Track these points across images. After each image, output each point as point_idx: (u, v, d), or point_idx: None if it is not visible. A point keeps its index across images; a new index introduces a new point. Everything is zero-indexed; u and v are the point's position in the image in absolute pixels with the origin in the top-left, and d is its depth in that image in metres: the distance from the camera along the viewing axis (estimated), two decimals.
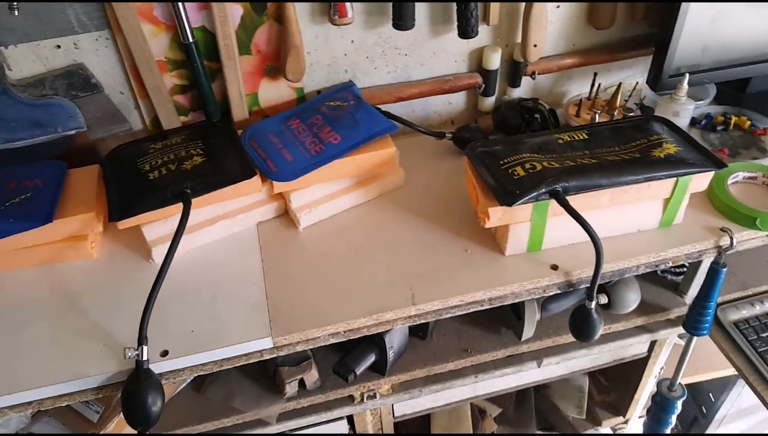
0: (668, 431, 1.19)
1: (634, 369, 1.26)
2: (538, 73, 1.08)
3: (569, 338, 1.02)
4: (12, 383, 0.68)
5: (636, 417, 1.37)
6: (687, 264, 1.01)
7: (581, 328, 0.79)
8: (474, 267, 0.82)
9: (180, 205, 0.76)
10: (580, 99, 1.07)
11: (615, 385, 1.39)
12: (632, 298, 0.99)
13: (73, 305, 0.78)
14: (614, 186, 0.74)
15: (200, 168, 0.81)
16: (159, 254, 0.81)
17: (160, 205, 0.77)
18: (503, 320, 1.02)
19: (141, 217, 0.77)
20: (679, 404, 1.11)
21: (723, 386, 1.44)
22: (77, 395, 0.71)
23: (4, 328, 0.75)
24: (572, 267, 0.81)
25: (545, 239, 0.82)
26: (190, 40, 0.85)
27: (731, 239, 0.84)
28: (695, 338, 1.00)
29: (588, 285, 0.78)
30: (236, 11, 0.87)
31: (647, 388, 1.29)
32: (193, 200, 0.78)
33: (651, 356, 1.19)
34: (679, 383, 1.11)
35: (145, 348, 0.68)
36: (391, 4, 0.91)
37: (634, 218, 0.84)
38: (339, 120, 0.92)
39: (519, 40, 1.03)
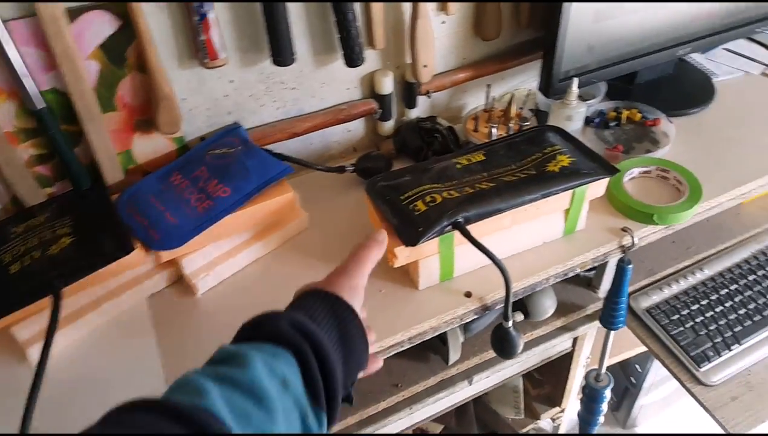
0: (601, 418, 1.19)
1: (563, 362, 1.25)
2: (433, 92, 1.03)
3: (491, 354, 0.99)
4: None
5: (571, 404, 1.37)
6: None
7: (503, 347, 0.77)
8: (390, 308, 0.76)
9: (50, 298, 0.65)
10: (476, 114, 1.03)
11: (547, 378, 1.39)
12: (548, 304, 0.97)
13: None
14: (513, 208, 0.72)
15: (69, 251, 0.70)
16: (36, 354, 0.69)
17: (25, 302, 0.65)
18: (429, 346, 0.97)
19: (5, 319, 0.65)
20: (607, 392, 1.11)
21: (646, 357, 1.47)
22: None
23: None
24: (486, 291, 0.77)
25: (456, 267, 0.78)
26: (39, 107, 0.73)
27: (632, 238, 0.83)
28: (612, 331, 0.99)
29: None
30: (91, 66, 0.76)
31: (577, 377, 1.28)
32: (66, 289, 0.67)
33: (575, 349, 1.18)
34: (605, 372, 1.10)
35: None
36: (266, 39, 0.83)
37: (539, 231, 0.82)
38: (227, 170, 0.83)
39: (409, 60, 0.97)
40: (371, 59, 0.96)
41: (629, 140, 1.01)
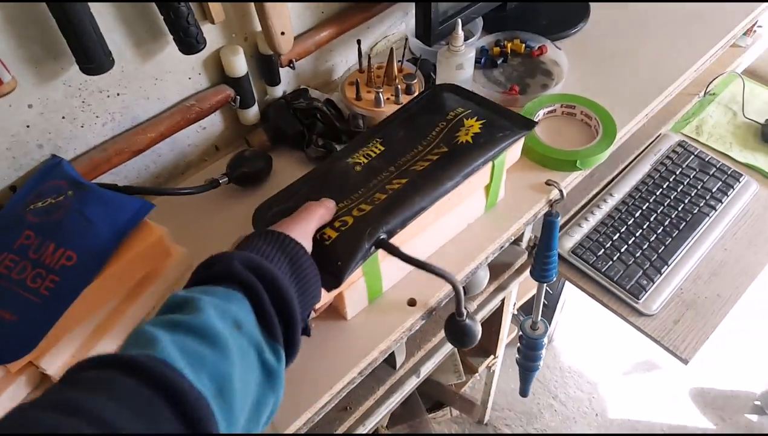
0: (541, 362, 1.19)
1: (493, 316, 1.22)
2: (297, 60, 0.87)
3: (437, 338, 0.92)
4: None
5: (502, 349, 1.38)
6: None
7: (462, 339, 0.70)
8: (326, 350, 0.65)
9: None
10: (353, 77, 0.89)
11: None
12: (482, 276, 0.90)
13: None
14: (437, 199, 0.62)
15: None
16: None
17: None
18: None
19: None
20: (545, 339, 1.10)
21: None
22: None
23: None
24: (427, 294, 0.70)
25: (384, 282, 0.68)
26: None
27: (560, 191, 0.78)
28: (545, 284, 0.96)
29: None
30: None
31: (507, 325, 1.28)
32: None
33: (505, 303, 1.15)
34: (541, 320, 1.09)
35: None
36: (66, 44, 0.61)
37: (462, 214, 0.74)
38: (62, 227, 0.62)
39: (259, 28, 0.80)
40: (211, 36, 0.77)
41: (521, 77, 0.94)
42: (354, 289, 0.64)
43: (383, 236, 0.58)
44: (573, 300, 1.72)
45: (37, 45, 0.62)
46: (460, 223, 0.75)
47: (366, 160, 0.67)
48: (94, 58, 0.61)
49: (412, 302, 0.68)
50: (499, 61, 0.96)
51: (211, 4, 0.72)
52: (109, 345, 0.64)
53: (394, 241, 0.60)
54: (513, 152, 0.71)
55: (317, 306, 0.57)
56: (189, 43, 0.69)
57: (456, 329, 0.69)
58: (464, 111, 0.70)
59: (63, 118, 0.69)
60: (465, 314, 0.67)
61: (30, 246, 0.61)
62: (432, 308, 0.69)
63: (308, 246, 0.53)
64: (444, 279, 0.60)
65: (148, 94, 0.76)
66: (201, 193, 0.76)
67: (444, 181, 0.62)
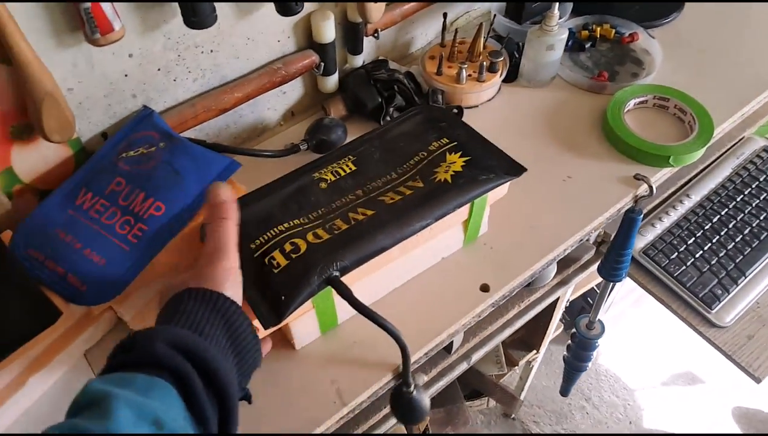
0: (590, 363, 1.19)
1: (545, 311, 1.22)
2: (382, 30, 0.87)
3: (495, 325, 0.92)
4: None
5: (546, 345, 1.38)
6: None
7: (407, 416, 0.65)
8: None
9: None
10: (432, 51, 0.89)
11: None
12: (550, 268, 0.90)
13: None
14: (401, 241, 0.59)
15: None
16: None
17: None
18: None
19: None
20: (599, 341, 1.10)
21: None
22: None
23: None
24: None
25: (339, 313, 0.65)
26: None
27: (650, 187, 0.77)
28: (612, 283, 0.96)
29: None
30: None
31: (555, 321, 1.27)
32: None
33: (558, 299, 1.15)
34: (598, 321, 1.09)
35: None
36: None
37: (435, 250, 0.71)
38: (151, 177, 0.64)
39: None
40: None
41: (610, 64, 0.93)
42: (302, 321, 0.62)
43: (336, 274, 0.55)
44: (620, 300, 1.70)
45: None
46: (432, 257, 0.71)
47: (333, 178, 0.64)
48: (200, 13, 0.63)
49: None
50: (587, 46, 0.94)
51: None
52: None
53: (351, 275, 0.57)
54: (499, 189, 0.67)
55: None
56: (287, 6, 0.70)
57: (402, 403, 0.63)
58: (449, 143, 0.66)
59: (158, 70, 0.71)
60: (412, 384, 0.62)
61: (120, 193, 0.64)
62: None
63: (239, 282, 0.49)
64: (392, 336, 0.56)
65: (238, 53, 0.77)
66: (281, 157, 0.77)
67: (412, 223, 0.59)
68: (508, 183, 0.67)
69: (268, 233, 0.57)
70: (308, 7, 0.79)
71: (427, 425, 1.22)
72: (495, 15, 0.93)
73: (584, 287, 1.35)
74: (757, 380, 0.86)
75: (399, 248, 0.60)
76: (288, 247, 0.55)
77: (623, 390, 1.73)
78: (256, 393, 0.58)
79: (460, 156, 0.65)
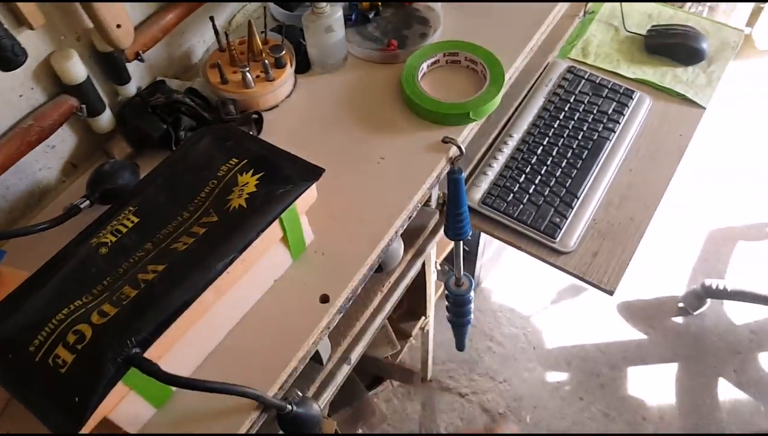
0: (471, 316, 1.23)
1: (416, 279, 1.24)
2: (144, 52, 0.80)
3: (360, 321, 0.92)
4: None
5: (433, 310, 1.41)
6: None
7: (303, 433, 0.64)
8: None
9: None
10: (213, 59, 0.84)
11: (403, 296, 1.39)
12: (396, 247, 0.91)
13: None
14: (204, 290, 0.55)
15: None
16: None
17: None
18: None
19: None
20: (471, 294, 1.13)
21: None
22: None
23: None
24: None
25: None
26: None
27: (459, 147, 0.78)
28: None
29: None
30: None
31: (432, 285, 1.30)
32: None
33: (425, 265, 1.17)
34: (464, 275, 1.12)
35: None
36: None
37: (260, 277, 0.67)
38: None
39: (91, 24, 0.72)
40: (35, 43, 0.70)
41: (398, 29, 0.93)
42: (124, 406, 0.56)
43: (135, 351, 0.50)
44: (492, 242, 1.77)
45: None
46: (263, 284, 0.68)
47: (114, 239, 0.58)
48: None
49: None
50: (371, 15, 0.93)
51: (22, 6, 0.64)
52: None
53: (160, 342, 0.52)
54: (307, 195, 0.64)
55: None
56: (5, 58, 0.62)
57: (287, 424, 0.62)
58: (238, 163, 0.62)
59: None
60: (286, 406, 0.60)
61: None
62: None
63: None
64: (231, 394, 0.53)
65: None
66: (61, 225, 0.70)
67: (212, 265, 0.55)
68: (315, 186, 0.65)
69: (47, 328, 0.51)
70: (45, 50, 0.71)
71: (336, 430, 1.22)
72: (266, 7, 0.89)
73: (451, 244, 1.39)
74: (610, 293, 0.92)
75: (211, 293, 0.57)
76: (71, 337, 0.50)
77: (519, 319, 1.83)
78: None
79: (253, 174, 0.62)
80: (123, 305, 0.52)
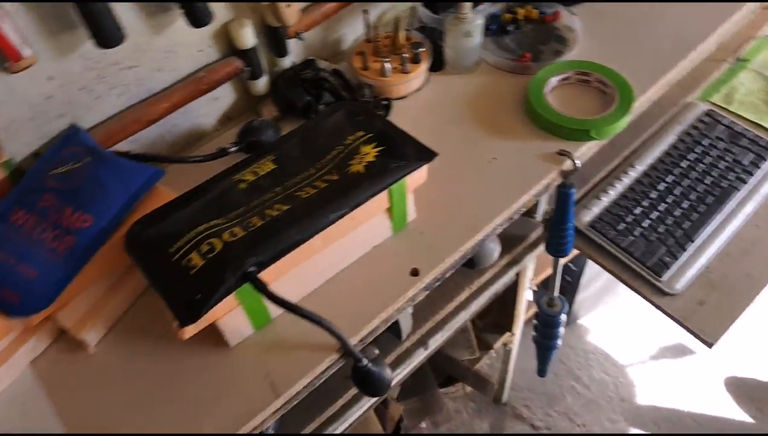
0: (560, 341, 1.23)
1: (508, 291, 1.26)
2: (303, 32, 0.92)
3: (445, 310, 0.97)
4: None
5: (520, 327, 1.41)
6: None
7: (369, 389, 0.70)
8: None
9: None
10: (359, 47, 0.94)
11: (492, 304, 1.41)
12: (492, 248, 0.95)
13: None
14: (315, 234, 0.63)
15: None
16: None
17: None
18: None
19: None
20: (563, 317, 1.14)
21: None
22: None
23: None
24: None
25: (271, 308, 0.70)
26: None
27: (573, 161, 0.81)
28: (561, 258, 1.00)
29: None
30: None
31: (523, 300, 1.31)
32: None
33: (520, 278, 1.19)
34: (558, 297, 1.13)
35: None
36: (81, 19, 0.68)
37: (362, 239, 0.75)
38: (79, 192, 0.70)
39: (266, 1, 0.85)
40: (220, 10, 0.83)
41: (533, 44, 0.98)
42: (231, 318, 0.65)
43: (252, 269, 0.58)
44: (596, 280, 1.73)
45: (54, 20, 0.69)
46: (362, 247, 0.76)
47: (253, 178, 0.67)
48: (106, 33, 0.68)
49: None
50: (511, 28, 0.99)
51: None
52: (116, 309, 0.72)
53: (273, 269, 0.60)
54: (417, 175, 0.71)
55: None
56: (196, 17, 0.75)
57: (359, 377, 0.68)
58: (364, 135, 0.70)
59: (81, 89, 0.76)
60: (362, 359, 0.66)
61: (50, 208, 0.69)
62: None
63: None
64: (321, 327, 0.60)
65: (160, 66, 0.82)
66: (210, 161, 0.82)
67: (326, 214, 0.62)
68: (426, 168, 0.72)
69: (187, 236, 0.62)
70: (225, 16, 0.84)
71: (401, 415, 1.27)
72: (414, 7, 0.97)
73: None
74: (709, 345, 0.89)
75: (321, 239, 0.65)
76: (204, 247, 0.59)
77: (613, 367, 1.76)
78: (188, 391, 0.64)
79: (374, 147, 0.69)
80: (249, 231, 0.61)
